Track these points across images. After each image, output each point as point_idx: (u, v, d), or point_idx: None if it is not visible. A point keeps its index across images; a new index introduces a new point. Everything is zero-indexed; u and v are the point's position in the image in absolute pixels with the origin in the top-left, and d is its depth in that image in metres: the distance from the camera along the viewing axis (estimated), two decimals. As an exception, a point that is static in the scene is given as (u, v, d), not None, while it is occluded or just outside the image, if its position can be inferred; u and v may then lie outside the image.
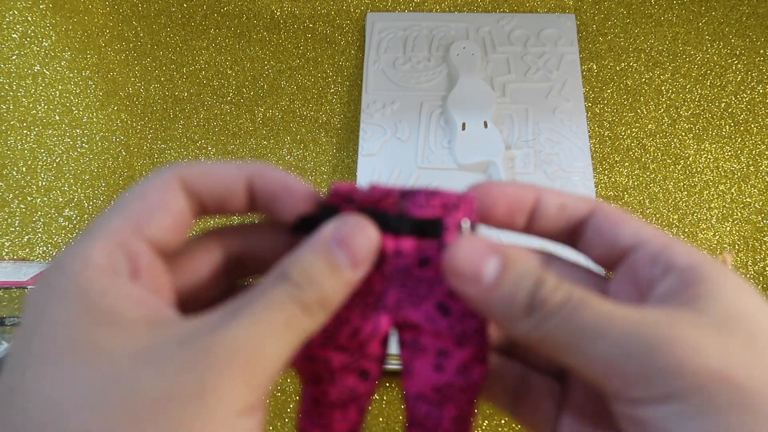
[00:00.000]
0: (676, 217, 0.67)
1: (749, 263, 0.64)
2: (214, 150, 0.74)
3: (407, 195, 0.19)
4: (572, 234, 0.18)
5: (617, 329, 0.13)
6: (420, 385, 0.18)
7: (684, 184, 0.68)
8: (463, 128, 0.64)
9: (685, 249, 0.15)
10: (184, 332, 0.14)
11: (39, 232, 0.72)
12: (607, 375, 0.14)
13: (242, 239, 0.19)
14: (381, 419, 0.56)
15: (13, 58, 0.73)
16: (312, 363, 0.19)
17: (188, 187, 0.17)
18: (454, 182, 0.63)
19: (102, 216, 0.16)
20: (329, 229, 0.17)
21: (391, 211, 0.18)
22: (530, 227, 0.19)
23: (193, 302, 0.18)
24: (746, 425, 0.12)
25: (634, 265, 0.16)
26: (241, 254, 0.19)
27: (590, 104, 0.71)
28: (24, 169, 0.73)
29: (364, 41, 0.74)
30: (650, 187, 0.68)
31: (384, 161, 0.65)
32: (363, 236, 0.17)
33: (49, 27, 0.72)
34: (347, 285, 0.17)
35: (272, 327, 0.15)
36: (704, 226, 0.66)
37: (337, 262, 0.16)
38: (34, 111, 0.73)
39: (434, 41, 0.71)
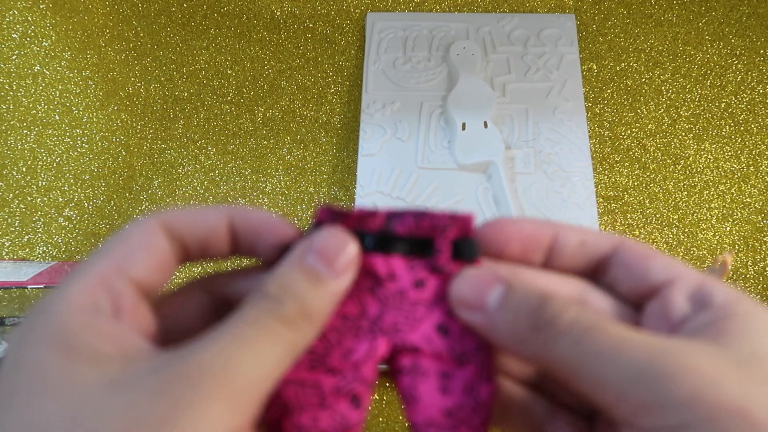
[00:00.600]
0: (676, 217, 0.67)
1: (749, 263, 0.64)
2: (214, 150, 0.74)
3: (394, 216, 0.18)
4: (595, 271, 0.18)
5: (631, 353, 0.13)
6: (429, 410, 0.17)
7: (684, 184, 0.68)
8: (463, 128, 0.64)
9: (723, 287, 0.15)
10: (159, 361, 0.14)
11: (39, 232, 0.72)
12: (617, 401, 0.13)
13: (230, 281, 0.19)
14: (381, 419, 0.56)
15: (13, 57, 0.73)
16: (300, 387, 0.17)
17: (171, 231, 0.17)
18: (455, 182, 0.63)
19: (86, 260, 0.16)
20: (305, 242, 0.17)
21: (378, 231, 0.18)
22: (549, 264, 0.18)
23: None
24: None
25: (667, 301, 0.16)
26: (230, 296, 0.19)
27: (590, 104, 0.71)
28: (24, 169, 0.73)
29: (364, 41, 0.74)
30: (650, 187, 0.68)
31: (384, 161, 0.65)
32: (338, 244, 0.17)
33: (49, 27, 0.72)
34: (330, 295, 0.16)
35: (250, 344, 0.14)
36: (704, 226, 0.66)
37: (315, 271, 0.16)
38: (34, 111, 0.73)
39: (434, 41, 0.71)
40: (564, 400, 0.19)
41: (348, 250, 0.17)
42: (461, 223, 0.18)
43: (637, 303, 0.17)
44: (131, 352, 0.14)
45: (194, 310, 0.19)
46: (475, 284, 0.16)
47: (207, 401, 0.13)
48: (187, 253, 0.18)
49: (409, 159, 0.65)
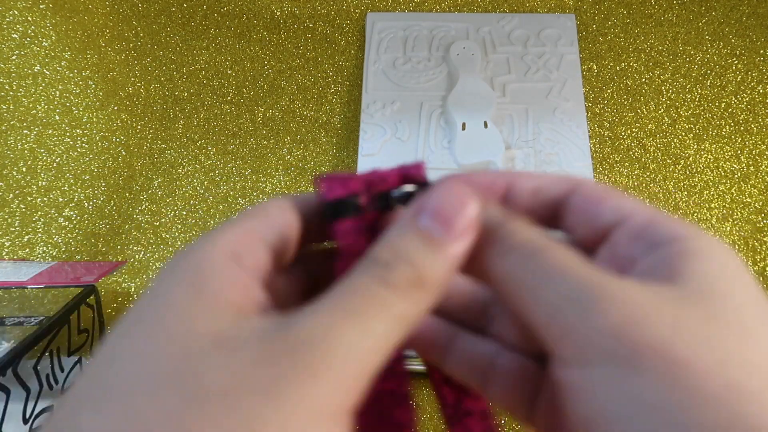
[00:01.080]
0: (676, 217, 0.67)
1: (749, 263, 0.64)
2: (214, 150, 0.74)
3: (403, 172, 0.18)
4: (553, 218, 0.17)
5: (571, 278, 0.13)
6: None
7: (684, 184, 0.68)
8: (463, 128, 0.64)
9: (670, 222, 0.14)
10: (269, 325, 0.13)
11: (39, 232, 0.72)
12: (546, 324, 0.13)
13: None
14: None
15: (14, 58, 0.73)
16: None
17: (302, 213, 0.17)
18: None
19: (230, 220, 0.16)
20: (418, 200, 0.15)
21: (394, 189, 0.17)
22: None
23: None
24: (668, 401, 0.11)
25: (614, 243, 0.15)
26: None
27: (590, 104, 0.71)
28: (24, 169, 0.73)
29: (364, 41, 0.74)
30: (650, 187, 0.68)
31: (384, 161, 0.65)
32: (457, 202, 0.15)
33: (49, 27, 0.72)
34: (449, 261, 0.15)
35: (356, 315, 0.13)
36: (704, 226, 0.66)
37: (431, 234, 0.14)
38: (34, 111, 0.73)
39: (434, 41, 0.71)
40: (510, 341, 0.18)
41: (468, 209, 0.15)
42: (416, 169, 0.18)
43: (593, 249, 0.16)
44: (251, 306, 0.14)
45: (298, 286, 0.18)
46: (445, 200, 0.15)
47: (309, 378, 0.12)
48: (309, 237, 0.18)
49: (409, 159, 0.64)
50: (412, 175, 0.18)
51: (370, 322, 0.13)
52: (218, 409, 0.11)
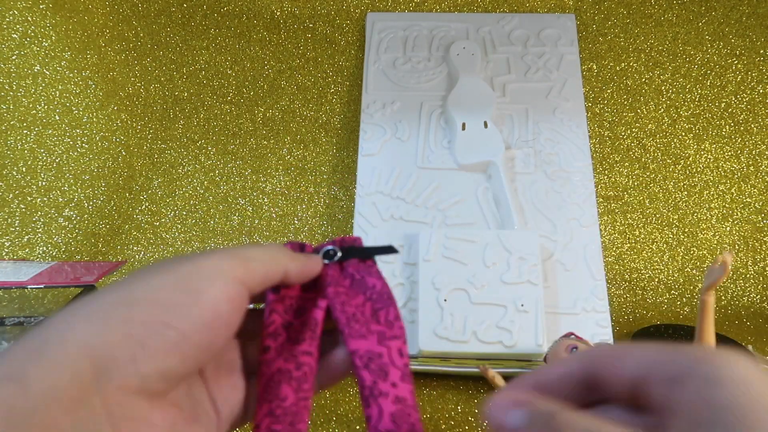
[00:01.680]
0: (676, 217, 0.67)
1: (749, 263, 0.65)
2: (214, 150, 0.74)
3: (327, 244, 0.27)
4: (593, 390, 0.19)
5: None
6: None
7: (684, 184, 0.68)
8: (463, 128, 0.64)
9: (678, 354, 0.16)
10: None
11: (39, 232, 0.72)
12: None
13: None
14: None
15: (13, 58, 0.73)
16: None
17: (245, 282, 0.22)
18: (455, 182, 0.63)
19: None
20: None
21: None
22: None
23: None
24: None
25: (645, 392, 0.16)
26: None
27: (590, 104, 0.71)
28: (24, 169, 0.73)
29: (364, 41, 0.74)
30: (650, 187, 0.68)
31: (384, 161, 0.65)
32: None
33: (49, 27, 0.72)
34: None
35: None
36: (704, 226, 0.66)
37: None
38: (34, 111, 0.73)
39: (434, 41, 0.71)
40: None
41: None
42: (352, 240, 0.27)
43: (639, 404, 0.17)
44: None
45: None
46: (497, 402, 0.18)
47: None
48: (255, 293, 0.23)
49: (409, 159, 0.65)
50: (348, 243, 0.27)
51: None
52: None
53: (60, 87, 0.74)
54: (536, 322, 0.53)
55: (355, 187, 0.67)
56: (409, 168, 0.64)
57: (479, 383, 0.56)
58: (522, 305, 0.54)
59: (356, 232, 0.62)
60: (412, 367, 0.56)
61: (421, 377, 0.57)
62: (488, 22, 0.72)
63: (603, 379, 0.18)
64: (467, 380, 0.56)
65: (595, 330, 0.55)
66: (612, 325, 0.55)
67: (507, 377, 0.56)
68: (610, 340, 0.54)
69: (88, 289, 0.58)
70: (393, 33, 0.72)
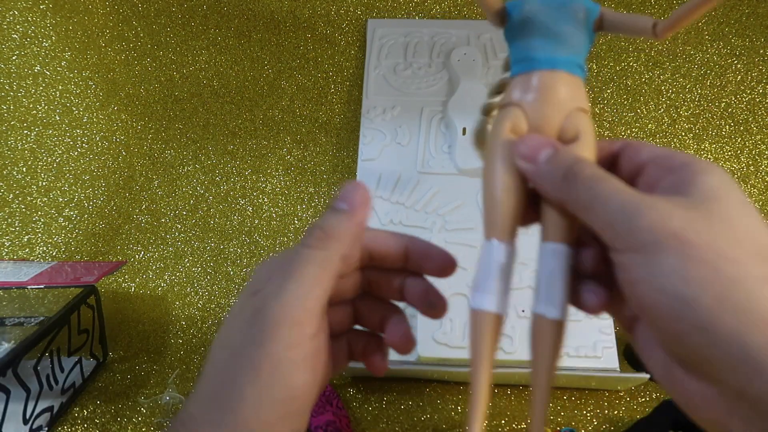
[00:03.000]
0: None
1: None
2: (213, 150, 0.74)
3: None
4: (611, 165, 0.24)
5: (619, 197, 0.19)
6: None
7: (684, 184, 0.68)
8: (464, 133, 0.63)
9: (683, 154, 0.21)
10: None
11: (39, 232, 0.72)
12: (605, 228, 0.19)
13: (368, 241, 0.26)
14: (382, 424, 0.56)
15: (14, 58, 0.73)
16: None
17: (364, 246, 0.25)
18: (455, 187, 0.62)
19: (296, 270, 0.23)
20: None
21: None
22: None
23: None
24: (681, 266, 0.17)
25: (647, 173, 0.21)
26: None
27: (590, 104, 0.71)
28: (24, 169, 0.73)
29: (365, 41, 0.74)
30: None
31: (384, 166, 0.64)
32: (354, 188, 0.24)
33: (49, 27, 0.73)
34: (347, 222, 0.23)
35: (291, 275, 0.21)
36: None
37: (337, 208, 0.24)
38: (35, 111, 0.73)
39: (435, 47, 0.71)
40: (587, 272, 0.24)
41: (360, 192, 0.24)
42: None
43: (633, 180, 0.22)
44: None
45: (354, 284, 0.27)
46: (533, 144, 0.22)
47: (273, 330, 0.20)
48: (371, 259, 0.26)
49: (410, 164, 0.64)
50: None
51: (303, 274, 0.21)
52: (238, 360, 0.21)
53: (60, 87, 0.74)
54: None
55: (355, 187, 0.67)
56: (409, 172, 0.64)
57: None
58: (523, 311, 0.54)
59: None
60: (411, 370, 0.56)
61: (421, 378, 0.57)
62: (489, 29, 0.72)
63: (622, 161, 0.23)
64: (467, 382, 0.56)
65: (599, 337, 0.54)
66: (615, 332, 0.55)
67: (509, 386, 0.56)
68: (614, 348, 0.53)
69: (88, 289, 0.58)
70: (394, 39, 0.72)
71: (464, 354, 0.53)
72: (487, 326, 0.22)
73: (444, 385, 0.58)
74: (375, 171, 0.64)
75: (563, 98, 0.23)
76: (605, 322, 0.55)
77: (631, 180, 0.22)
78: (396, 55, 0.71)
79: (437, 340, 0.53)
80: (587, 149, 0.22)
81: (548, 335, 0.22)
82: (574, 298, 0.23)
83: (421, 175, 0.63)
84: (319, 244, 0.22)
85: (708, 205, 0.18)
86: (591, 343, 0.53)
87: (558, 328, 0.22)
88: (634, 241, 0.18)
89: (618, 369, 0.53)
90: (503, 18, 0.25)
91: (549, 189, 0.22)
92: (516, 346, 0.52)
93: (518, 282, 0.54)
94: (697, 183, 0.19)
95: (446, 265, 0.26)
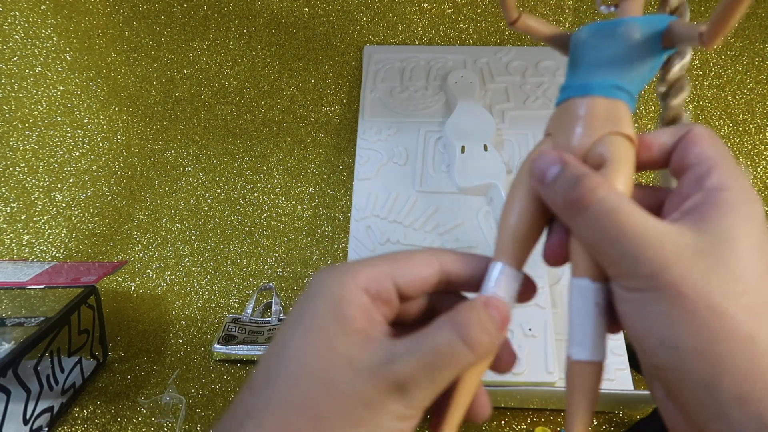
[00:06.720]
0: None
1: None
2: (214, 150, 0.74)
3: None
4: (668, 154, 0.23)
5: (628, 235, 0.18)
6: None
7: (683, 185, 0.68)
8: (462, 151, 0.62)
9: (725, 172, 0.19)
10: (378, 357, 0.19)
11: (39, 232, 0.72)
12: (609, 266, 0.19)
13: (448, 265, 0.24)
14: None
15: (15, 59, 0.73)
16: None
17: (443, 270, 0.23)
18: (455, 205, 0.61)
19: (373, 258, 0.22)
20: (483, 294, 0.22)
21: None
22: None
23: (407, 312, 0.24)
24: (669, 315, 0.17)
25: (685, 180, 0.20)
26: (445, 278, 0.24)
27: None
28: (26, 169, 0.73)
29: (364, 41, 0.74)
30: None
31: (380, 185, 0.63)
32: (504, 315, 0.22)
33: (50, 28, 0.73)
34: (499, 340, 0.21)
35: (431, 366, 0.19)
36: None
37: (495, 321, 0.21)
38: (36, 112, 0.74)
39: (432, 71, 0.70)
40: None
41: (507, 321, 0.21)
42: None
43: (678, 176, 0.21)
44: (376, 332, 0.20)
45: (420, 309, 0.24)
46: (542, 162, 0.21)
47: (384, 412, 0.19)
48: (447, 284, 0.23)
49: (407, 182, 0.63)
50: None
51: (441, 372, 0.19)
52: (340, 406, 0.18)
53: (61, 88, 0.74)
54: (545, 348, 0.51)
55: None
56: (407, 191, 0.62)
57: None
58: (530, 330, 0.52)
59: (351, 257, 0.59)
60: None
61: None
62: (485, 54, 0.72)
63: (674, 156, 0.22)
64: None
65: (611, 358, 0.52)
66: (626, 353, 0.54)
67: (517, 408, 0.56)
68: (627, 369, 0.52)
69: (89, 289, 0.58)
70: (390, 64, 0.71)
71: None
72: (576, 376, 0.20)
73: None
74: (371, 190, 0.62)
75: (590, 123, 0.21)
76: (616, 343, 0.54)
77: (677, 176, 0.21)
78: (392, 78, 0.70)
79: None
80: (615, 175, 0.20)
81: (578, 378, 0.20)
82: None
83: (419, 194, 0.62)
84: (476, 348, 0.20)
85: (719, 249, 0.18)
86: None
87: (589, 370, 0.20)
88: (633, 282, 0.18)
89: (632, 389, 0.51)
90: (566, 47, 0.25)
91: (557, 211, 0.21)
92: (524, 366, 0.50)
93: None
94: (717, 221, 0.18)
95: (529, 291, 0.24)
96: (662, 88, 0.24)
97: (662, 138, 0.22)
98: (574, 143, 0.21)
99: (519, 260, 0.22)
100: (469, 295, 0.23)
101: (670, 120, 0.24)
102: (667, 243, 0.18)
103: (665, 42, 0.21)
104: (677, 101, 0.24)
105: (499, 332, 0.21)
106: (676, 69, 0.23)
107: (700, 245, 0.18)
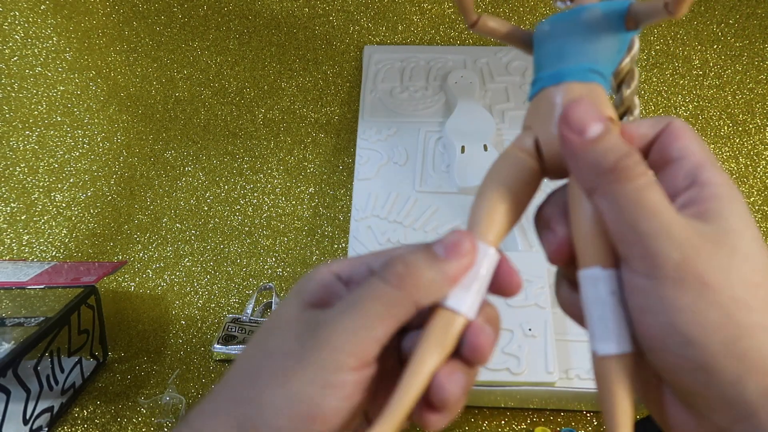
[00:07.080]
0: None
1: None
2: (214, 150, 0.75)
3: None
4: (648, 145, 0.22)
5: (659, 220, 0.18)
6: None
7: (683, 185, 0.68)
8: (462, 151, 0.62)
9: (710, 168, 0.19)
10: (312, 314, 0.21)
11: (39, 232, 0.72)
12: (626, 242, 0.18)
13: None
14: None
15: (15, 59, 0.73)
16: None
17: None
18: (455, 205, 0.61)
19: (315, 269, 0.24)
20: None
21: None
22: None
23: None
24: (694, 306, 0.17)
25: (671, 174, 0.20)
26: None
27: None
28: (26, 169, 0.73)
29: (364, 41, 0.74)
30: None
31: (380, 185, 0.63)
32: (459, 238, 0.21)
33: (50, 28, 0.73)
34: (442, 272, 0.20)
35: (353, 306, 0.20)
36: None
37: (435, 252, 0.21)
38: (36, 112, 0.74)
39: (432, 71, 0.70)
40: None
41: (467, 244, 0.21)
42: None
43: (656, 170, 0.21)
44: (321, 301, 0.22)
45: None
46: (581, 112, 0.20)
47: (317, 350, 0.19)
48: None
49: (407, 182, 0.63)
50: None
51: (367, 309, 0.20)
52: (272, 362, 0.20)
53: (61, 88, 0.74)
54: (545, 348, 0.50)
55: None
56: (407, 191, 0.62)
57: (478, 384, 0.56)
58: (530, 329, 0.51)
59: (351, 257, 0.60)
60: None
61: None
62: (485, 54, 0.72)
63: (653, 149, 0.21)
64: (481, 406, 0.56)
65: None
66: None
67: (516, 409, 0.56)
68: None
69: (89, 289, 0.58)
70: (390, 64, 0.71)
71: (482, 376, 0.50)
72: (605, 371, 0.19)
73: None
74: (371, 190, 0.62)
75: None
76: None
77: (655, 171, 0.21)
78: (392, 79, 0.70)
79: None
80: None
81: (614, 374, 0.18)
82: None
83: (419, 194, 0.62)
84: (396, 281, 0.20)
85: (732, 240, 0.17)
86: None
87: (623, 364, 0.18)
88: (659, 272, 0.17)
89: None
90: (528, 45, 0.24)
91: (585, 174, 0.19)
92: (523, 366, 0.50)
93: (524, 299, 0.52)
94: (722, 213, 0.18)
95: (512, 285, 0.22)
96: (614, 80, 0.25)
97: (642, 129, 0.21)
98: (556, 132, 0.20)
99: (494, 240, 0.21)
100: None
101: (624, 110, 0.25)
102: (690, 231, 0.18)
103: (629, 23, 0.21)
104: (630, 91, 0.25)
105: (436, 264, 0.20)
106: (627, 60, 0.24)
107: (714, 236, 0.18)
